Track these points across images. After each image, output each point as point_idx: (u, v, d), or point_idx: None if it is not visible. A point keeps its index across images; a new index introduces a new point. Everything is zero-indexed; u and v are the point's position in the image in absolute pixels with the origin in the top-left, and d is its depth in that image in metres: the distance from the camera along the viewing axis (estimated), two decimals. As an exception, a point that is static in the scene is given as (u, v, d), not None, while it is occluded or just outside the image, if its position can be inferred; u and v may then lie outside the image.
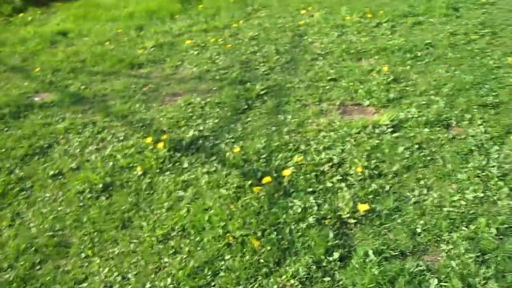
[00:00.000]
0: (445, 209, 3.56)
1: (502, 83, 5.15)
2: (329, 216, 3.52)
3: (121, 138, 4.88)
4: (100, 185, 4.20)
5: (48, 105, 5.83)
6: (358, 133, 4.44)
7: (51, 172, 4.52)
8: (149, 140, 4.64)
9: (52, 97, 6.02)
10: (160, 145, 4.50)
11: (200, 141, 4.58)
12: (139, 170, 4.30)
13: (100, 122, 5.21)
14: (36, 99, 6.06)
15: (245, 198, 3.76)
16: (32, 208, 4.12)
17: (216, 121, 4.88)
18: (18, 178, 4.52)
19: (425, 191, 3.75)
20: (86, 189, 4.20)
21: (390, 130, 4.44)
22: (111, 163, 4.49)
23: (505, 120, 4.53)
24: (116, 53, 7.03)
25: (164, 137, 4.61)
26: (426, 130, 4.43)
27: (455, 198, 3.66)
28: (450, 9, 7.29)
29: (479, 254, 3.18)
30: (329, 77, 5.46)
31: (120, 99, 5.63)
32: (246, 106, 5.07)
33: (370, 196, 3.71)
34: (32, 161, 4.77)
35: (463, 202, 3.61)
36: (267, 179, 3.89)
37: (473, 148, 4.18)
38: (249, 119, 4.86)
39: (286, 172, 3.93)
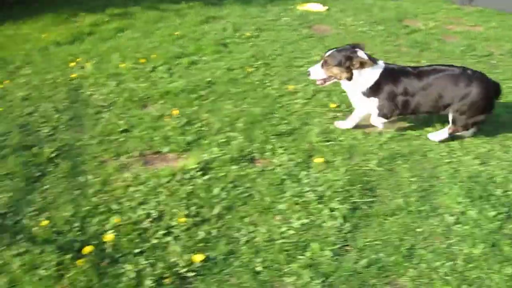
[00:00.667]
0: (277, 242, 3.61)
1: (289, 110, 5.39)
2: (166, 275, 3.36)
3: None
4: None
5: None
6: (169, 182, 4.31)
7: None
8: None
9: None
10: None
11: (-2, 221, 4.06)
12: None
13: None
14: None
15: (69, 275, 3.39)
16: None
17: (9, 195, 4.35)
18: None
19: (252, 228, 3.77)
20: None
21: (199, 173, 4.39)
22: None
23: (303, 146, 4.74)
24: None
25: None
26: (234, 167, 4.46)
27: (283, 229, 3.73)
28: (220, 46, 7.52)
29: (323, 279, 3.30)
30: (120, 129, 5.24)
31: None
32: (39, 173, 4.63)
33: (201, 245, 3.63)
34: None
35: (291, 232, 3.70)
36: (88, 248, 3.58)
37: (284, 177, 4.30)
38: (46, 186, 4.43)
39: (108, 237, 3.65)
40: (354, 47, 4.90)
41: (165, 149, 4.84)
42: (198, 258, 3.44)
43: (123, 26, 9.17)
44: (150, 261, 3.47)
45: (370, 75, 4.80)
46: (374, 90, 4.83)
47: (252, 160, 4.60)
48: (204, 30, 8.55)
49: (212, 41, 7.75)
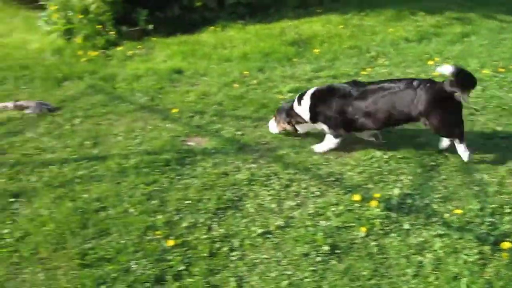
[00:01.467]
0: None
1: None
2: None
3: (317, 193, 4.75)
4: (326, 247, 3.98)
5: (210, 151, 5.63)
6: None
7: (258, 230, 4.24)
8: (356, 197, 4.57)
9: (209, 143, 5.87)
10: (373, 203, 4.47)
11: (409, 200, 4.56)
12: (362, 231, 4.18)
13: (282, 174, 5.08)
14: (190, 143, 5.89)
15: (491, 265, 3.75)
16: (254, 271, 3.82)
17: (409, 177, 4.91)
18: (222, 236, 4.20)
19: None
20: (311, 251, 3.97)
21: None
22: (323, 222, 4.33)
23: None
24: (254, 97, 7.02)
25: (377, 195, 4.59)
26: None
27: None
28: None
29: None
30: (500, 135, 5.62)
31: (289, 149, 5.57)
32: (433, 163, 5.14)
33: None
34: (227, 215, 4.48)
35: None
36: (506, 244, 3.89)
37: None
38: (443, 176, 4.92)
39: (529, 239, 3.99)
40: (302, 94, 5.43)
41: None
42: None
43: (467, 31, 9.51)
44: None
45: (304, 108, 5.35)
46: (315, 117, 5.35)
47: None
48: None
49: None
